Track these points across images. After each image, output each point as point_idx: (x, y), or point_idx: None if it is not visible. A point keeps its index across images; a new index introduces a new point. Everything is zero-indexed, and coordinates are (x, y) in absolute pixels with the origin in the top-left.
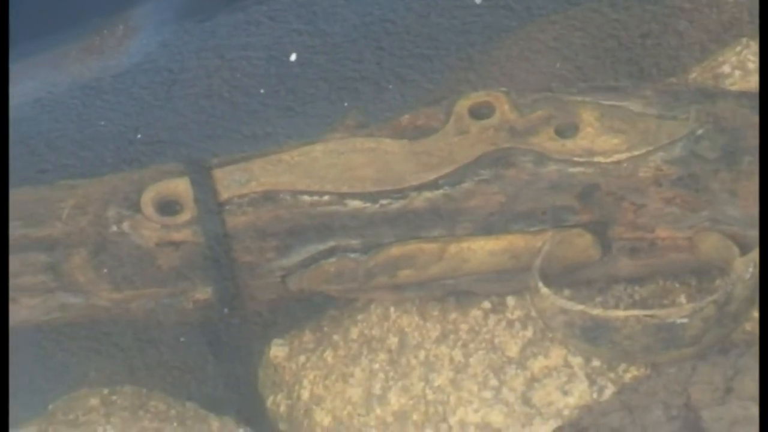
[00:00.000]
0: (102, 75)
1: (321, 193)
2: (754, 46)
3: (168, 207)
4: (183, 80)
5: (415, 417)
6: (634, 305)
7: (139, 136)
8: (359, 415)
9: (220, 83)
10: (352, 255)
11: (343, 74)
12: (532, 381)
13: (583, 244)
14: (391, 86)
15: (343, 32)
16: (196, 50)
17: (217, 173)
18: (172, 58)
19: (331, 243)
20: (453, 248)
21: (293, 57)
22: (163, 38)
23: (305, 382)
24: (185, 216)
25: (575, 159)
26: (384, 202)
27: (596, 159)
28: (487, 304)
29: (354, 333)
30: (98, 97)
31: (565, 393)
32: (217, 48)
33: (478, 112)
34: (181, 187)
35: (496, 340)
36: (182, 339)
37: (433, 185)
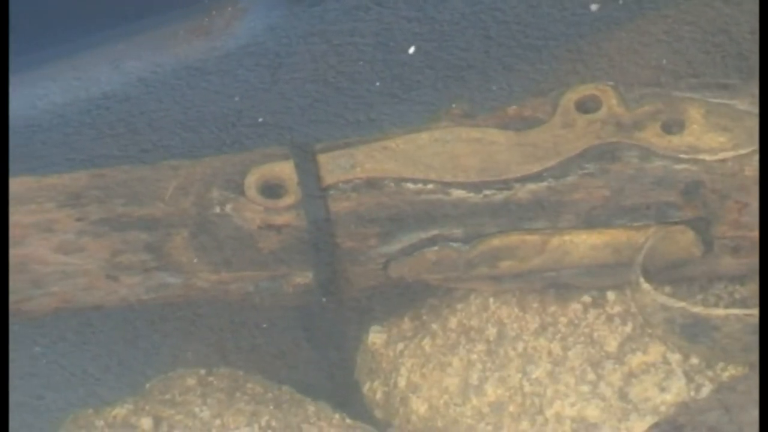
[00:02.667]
0: (208, 56)
1: (425, 182)
2: None
3: (271, 190)
4: (289, 64)
5: (511, 408)
6: (734, 304)
7: (261, 119)
8: (455, 404)
9: (326, 68)
10: (454, 244)
11: (450, 62)
12: (630, 376)
13: (685, 241)
14: (498, 76)
15: (452, 20)
16: (304, 34)
17: (322, 158)
18: (279, 42)
19: (434, 232)
20: (555, 241)
21: (412, 50)
22: (271, 21)
23: (402, 370)
24: (288, 200)
25: (680, 156)
26: (488, 192)
27: (701, 156)
28: (587, 298)
29: (453, 322)
30: (203, 78)
31: (663, 390)
32: (324, 33)
33: (585, 106)
34: (285, 170)
35: (595, 335)
36: (279, 323)
37: (538, 177)
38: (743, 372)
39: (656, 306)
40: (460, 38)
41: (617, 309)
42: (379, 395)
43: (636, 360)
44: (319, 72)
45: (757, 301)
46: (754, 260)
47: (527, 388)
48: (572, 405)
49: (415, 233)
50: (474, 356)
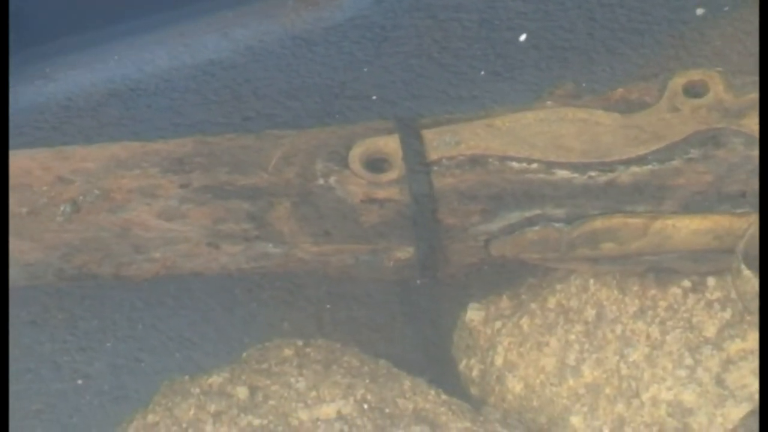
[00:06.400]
0: (314, 27)
1: (529, 161)
2: None
3: (375, 164)
4: (394, 38)
5: (607, 390)
6: None
7: (374, 97)
8: (551, 384)
9: (430, 43)
10: (556, 224)
11: (553, 43)
12: (728, 363)
13: None
14: (600, 59)
15: (557, 0)
16: (409, 9)
17: (427, 134)
18: (385, 15)
19: (536, 211)
20: (657, 225)
21: (523, 37)
22: None
23: (499, 348)
24: (392, 174)
25: None
26: (592, 173)
27: None
28: (687, 283)
29: (551, 302)
30: (308, 48)
31: None
32: (429, 8)
33: (692, 91)
34: (390, 144)
35: (694, 320)
36: (378, 297)
37: (642, 160)
38: None
39: (756, 293)
40: (565, 19)
41: (717, 295)
42: (475, 372)
43: (734, 346)
44: (423, 47)
45: None
46: None
47: (624, 371)
48: (669, 389)
49: (517, 212)
50: (572, 337)
